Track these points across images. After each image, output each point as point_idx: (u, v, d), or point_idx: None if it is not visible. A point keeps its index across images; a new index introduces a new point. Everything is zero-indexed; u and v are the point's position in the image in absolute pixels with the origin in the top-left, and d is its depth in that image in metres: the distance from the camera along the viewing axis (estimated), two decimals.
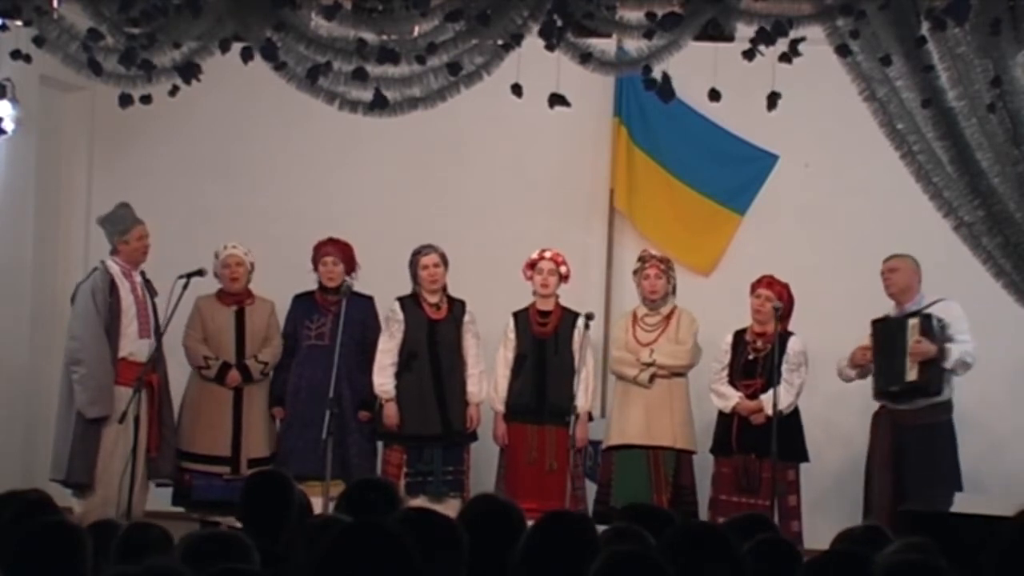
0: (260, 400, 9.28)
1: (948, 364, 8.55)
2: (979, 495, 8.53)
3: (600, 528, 4.53)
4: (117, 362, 8.76)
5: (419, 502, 8.40)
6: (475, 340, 9.23)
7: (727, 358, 9.02)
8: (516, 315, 9.22)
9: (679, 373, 9.08)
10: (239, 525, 5.19)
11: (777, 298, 8.84)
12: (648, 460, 8.95)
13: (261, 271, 9.38)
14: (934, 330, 8.54)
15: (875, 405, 8.83)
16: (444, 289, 9.25)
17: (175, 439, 9.07)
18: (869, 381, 8.81)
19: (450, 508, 7.94)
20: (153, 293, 8.95)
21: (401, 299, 9.23)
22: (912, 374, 8.53)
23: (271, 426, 9.31)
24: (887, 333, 8.67)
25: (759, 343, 8.94)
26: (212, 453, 9.15)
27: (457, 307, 9.25)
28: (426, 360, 9.16)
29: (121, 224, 8.93)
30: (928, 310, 8.64)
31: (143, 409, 8.63)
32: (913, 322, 8.57)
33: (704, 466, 9.10)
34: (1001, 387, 9.02)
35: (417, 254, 9.21)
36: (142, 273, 9.00)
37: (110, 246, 8.96)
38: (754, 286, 8.96)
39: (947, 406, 8.66)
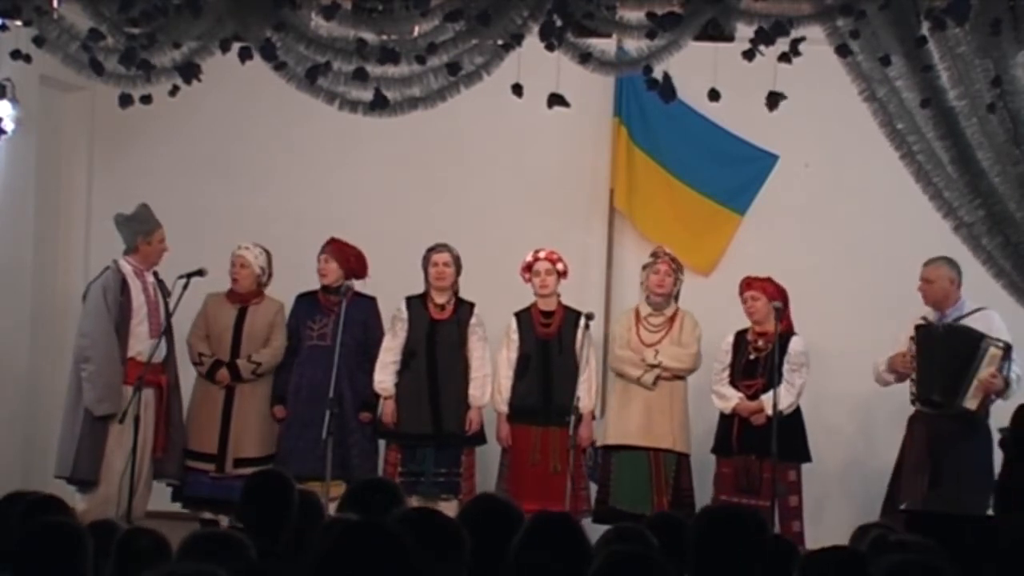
0: (255, 400, 9.26)
1: (1005, 397, 8.29)
2: None
3: (601, 528, 4.53)
4: (126, 361, 8.79)
5: (412, 502, 8.37)
6: (481, 343, 9.22)
7: (728, 359, 8.99)
8: (518, 315, 9.21)
9: (680, 376, 9.07)
10: (239, 524, 5.19)
11: (764, 294, 8.84)
12: (649, 461, 8.94)
13: None
14: (1011, 367, 8.26)
15: (889, 404, 8.75)
16: (455, 291, 9.26)
17: (182, 439, 9.09)
18: (870, 383, 8.78)
19: (445, 510, 7.91)
20: (166, 293, 8.97)
21: (409, 298, 9.25)
22: (973, 403, 8.26)
23: (269, 426, 9.29)
24: (952, 345, 8.36)
25: (760, 343, 8.92)
26: (202, 450, 9.15)
27: (463, 309, 9.24)
28: (424, 359, 9.16)
29: (147, 224, 8.99)
30: (968, 319, 8.44)
31: (150, 409, 8.67)
32: (995, 352, 8.26)
33: (706, 467, 9.10)
34: None
35: (431, 251, 9.23)
36: (155, 273, 9.03)
37: (126, 245, 9.00)
38: (741, 290, 8.94)
39: (985, 411, 8.40)
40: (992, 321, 8.42)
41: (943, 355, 8.37)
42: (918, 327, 8.55)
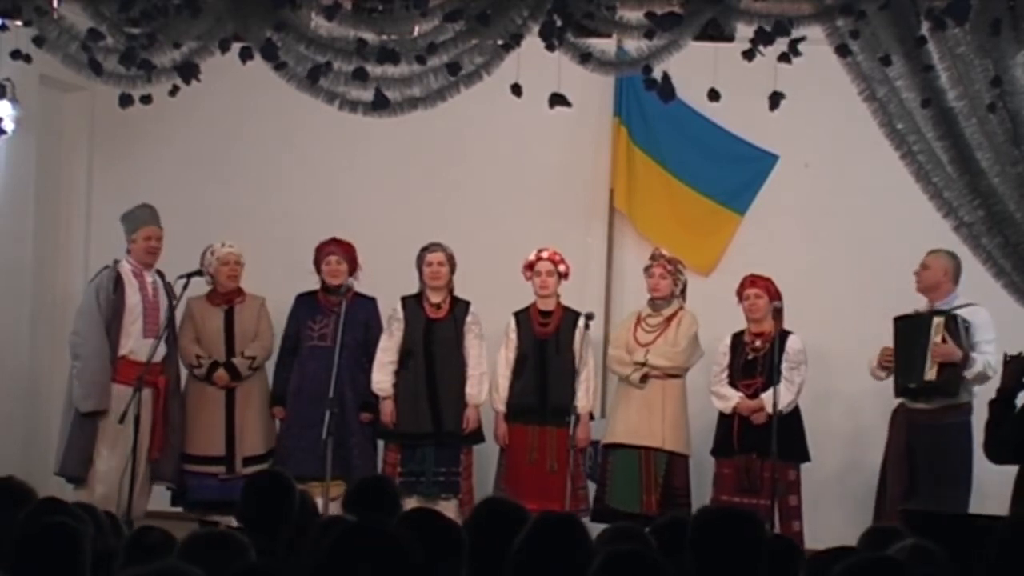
0: (256, 398, 9.27)
1: (969, 375, 8.42)
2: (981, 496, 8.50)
3: (601, 527, 4.52)
4: (117, 360, 8.80)
5: (411, 502, 8.37)
6: (477, 341, 9.22)
7: (726, 360, 9.01)
8: (517, 315, 9.23)
9: (674, 375, 9.07)
10: (239, 525, 5.18)
11: (767, 293, 8.87)
12: (640, 460, 8.94)
13: (262, 271, 9.39)
14: (959, 333, 8.42)
15: (890, 403, 8.78)
16: (450, 290, 9.26)
17: (180, 441, 9.09)
18: (869, 382, 8.79)
19: (445, 510, 7.92)
20: (171, 295, 8.94)
21: (404, 298, 9.25)
22: (931, 373, 8.43)
23: (269, 423, 9.30)
24: (910, 330, 8.56)
25: (758, 343, 8.94)
26: (207, 453, 9.15)
27: (459, 308, 9.24)
28: (421, 359, 9.16)
29: (132, 223, 9.04)
30: (955, 312, 8.52)
31: (147, 410, 8.66)
32: (938, 321, 8.46)
33: (706, 468, 9.09)
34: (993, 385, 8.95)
35: (425, 250, 9.23)
36: (161, 275, 9.03)
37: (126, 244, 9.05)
38: (740, 290, 8.96)
39: (966, 408, 8.50)
40: (978, 315, 8.50)
41: (910, 341, 8.50)
42: (895, 319, 8.63)
